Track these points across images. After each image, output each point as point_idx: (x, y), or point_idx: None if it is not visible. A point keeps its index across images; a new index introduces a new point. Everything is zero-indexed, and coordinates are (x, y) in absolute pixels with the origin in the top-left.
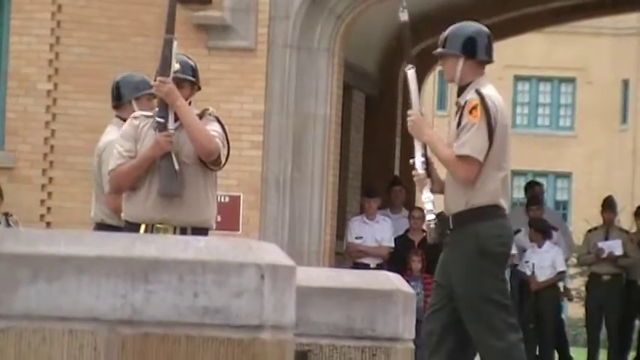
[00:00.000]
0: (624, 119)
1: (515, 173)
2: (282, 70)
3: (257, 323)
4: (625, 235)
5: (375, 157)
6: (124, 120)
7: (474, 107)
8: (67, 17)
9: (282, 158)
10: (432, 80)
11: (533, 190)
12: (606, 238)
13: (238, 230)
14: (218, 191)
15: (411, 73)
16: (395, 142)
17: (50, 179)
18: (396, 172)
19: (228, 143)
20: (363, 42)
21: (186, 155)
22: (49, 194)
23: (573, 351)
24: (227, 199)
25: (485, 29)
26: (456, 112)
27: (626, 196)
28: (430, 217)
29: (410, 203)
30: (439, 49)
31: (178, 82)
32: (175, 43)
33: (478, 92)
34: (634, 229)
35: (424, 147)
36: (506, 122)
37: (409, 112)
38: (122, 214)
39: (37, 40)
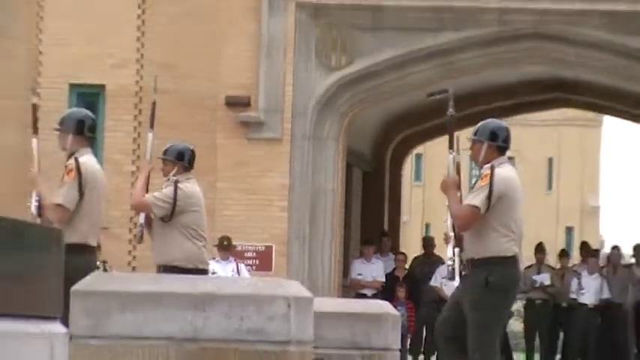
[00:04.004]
0: (550, 187)
1: None
2: (302, 155)
3: (285, 339)
4: (552, 271)
5: (369, 217)
6: None
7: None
8: (144, 119)
9: (302, 219)
10: (410, 160)
11: None
12: (538, 273)
13: (271, 271)
14: (257, 243)
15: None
16: (384, 206)
17: (135, 236)
18: (385, 227)
19: (174, 202)
20: (360, 132)
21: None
22: (134, 247)
23: (515, 355)
24: (263, 249)
25: None
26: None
27: (551, 243)
28: None
29: (395, 249)
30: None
31: (164, 160)
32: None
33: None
34: (558, 267)
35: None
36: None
37: None
38: None
39: (124, 134)
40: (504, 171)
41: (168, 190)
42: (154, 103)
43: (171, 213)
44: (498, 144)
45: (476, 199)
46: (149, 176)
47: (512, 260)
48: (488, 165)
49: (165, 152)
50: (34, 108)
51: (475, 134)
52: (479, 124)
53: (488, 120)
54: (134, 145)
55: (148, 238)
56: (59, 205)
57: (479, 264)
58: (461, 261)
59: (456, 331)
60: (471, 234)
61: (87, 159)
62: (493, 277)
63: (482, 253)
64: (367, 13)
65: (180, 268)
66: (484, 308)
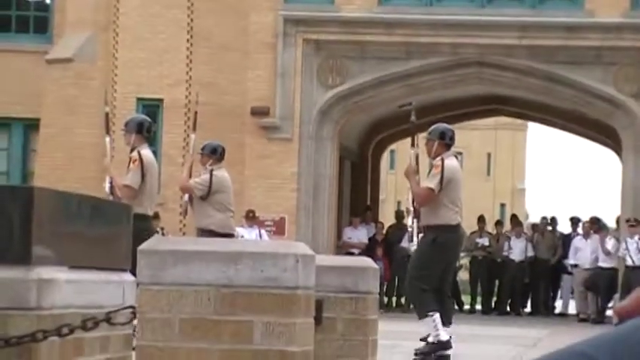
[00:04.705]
0: (488, 174)
1: None
2: (307, 150)
3: (294, 285)
4: (490, 235)
5: (356, 196)
6: None
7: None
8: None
9: (308, 197)
10: (386, 154)
11: None
12: (480, 237)
13: (284, 235)
14: (274, 215)
15: None
16: (367, 188)
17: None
18: (368, 204)
19: (210, 185)
20: (349, 134)
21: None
22: (184, 217)
23: (463, 298)
24: (279, 218)
25: None
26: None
27: (489, 215)
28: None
29: (375, 219)
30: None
31: (202, 155)
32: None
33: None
34: (495, 232)
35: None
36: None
37: None
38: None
39: (176, 135)
40: (451, 162)
41: (206, 177)
42: (195, 113)
43: (208, 193)
44: (446, 142)
45: (431, 182)
46: (192, 166)
47: (457, 227)
48: (439, 157)
49: (203, 148)
50: (107, 115)
51: (429, 134)
52: (431, 127)
53: (438, 124)
54: (184, 143)
55: (191, 211)
56: (127, 186)
57: (432, 229)
58: (419, 227)
59: None
60: (427, 207)
61: (146, 152)
62: (440, 238)
63: (434, 221)
64: (355, 46)
65: (213, 231)
66: (425, 255)
